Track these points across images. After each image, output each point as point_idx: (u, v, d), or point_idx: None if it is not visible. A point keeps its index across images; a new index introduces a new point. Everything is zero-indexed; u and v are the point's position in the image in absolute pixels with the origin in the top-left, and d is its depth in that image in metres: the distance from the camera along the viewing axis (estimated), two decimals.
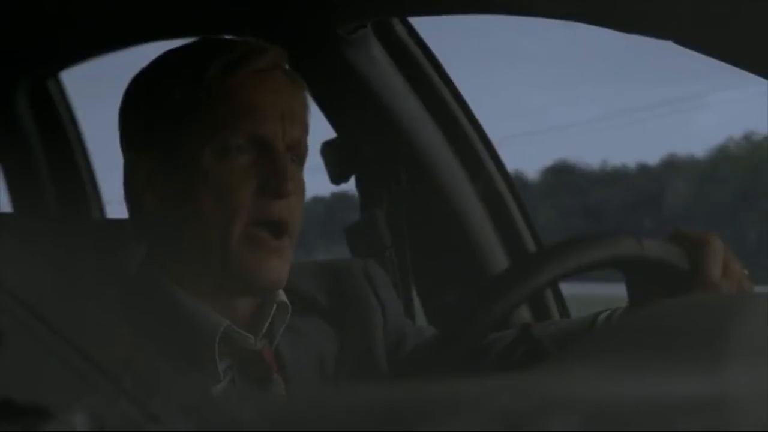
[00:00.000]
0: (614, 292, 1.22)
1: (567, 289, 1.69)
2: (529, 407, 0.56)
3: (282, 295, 1.27)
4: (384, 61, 1.66)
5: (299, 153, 1.25)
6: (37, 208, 2.16)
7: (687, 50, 1.21)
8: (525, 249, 1.70)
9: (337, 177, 1.70)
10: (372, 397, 0.59)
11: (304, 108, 1.27)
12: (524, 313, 1.64)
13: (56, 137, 2.17)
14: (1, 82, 2.10)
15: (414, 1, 1.56)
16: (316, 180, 1.58)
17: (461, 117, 1.70)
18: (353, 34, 1.62)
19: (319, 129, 1.71)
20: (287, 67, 1.28)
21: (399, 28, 1.67)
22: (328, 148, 1.70)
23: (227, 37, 1.32)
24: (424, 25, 1.68)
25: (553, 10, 1.35)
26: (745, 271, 1.13)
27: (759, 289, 1.17)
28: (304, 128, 1.27)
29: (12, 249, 1.41)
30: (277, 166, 1.21)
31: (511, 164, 1.72)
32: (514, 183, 1.72)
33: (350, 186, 1.71)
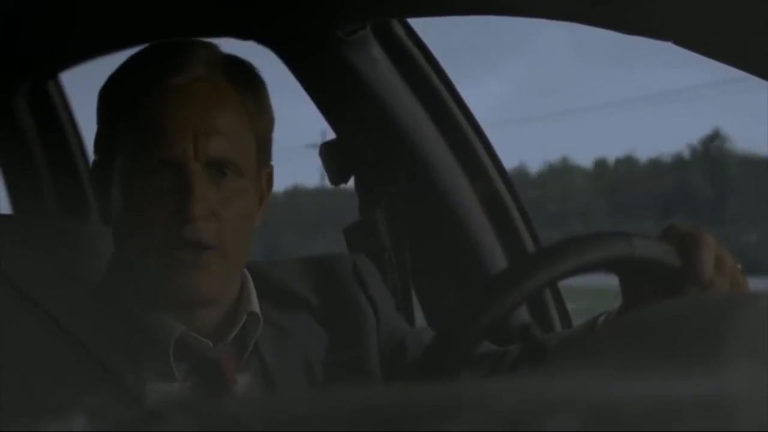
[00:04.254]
0: (607, 283, 1.22)
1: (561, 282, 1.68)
2: (528, 408, 0.56)
3: (254, 306, 1.26)
4: (383, 62, 1.66)
5: (231, 168, 1.21)
6: (36, 211, 2.16)
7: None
8: (524, 250, 1.71)
9: (336, 178, 1.70)
10: (370, 398, 0.59)
11: (239, 119, 1.22)
12: (523, 314, 1.64)
13: (56, 139, 2.17)
14: (0, 84, 2.10)
15: (413, 3, 1.56)
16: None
17: (460, 117, 1.70)
18: (352, 35, 1.62)
19: (318, 130, 1.71)
20: (224, 74, 1.24)
21: (398, 29, 1.67)
22: (327, 149, 1.70)
23: (177, 39, 1.29)
24: (423, 26, 1.68)
25: (553, 11, 1.35)
26: (739, 266, 1.13)
27: (753, 282, 1.17)
28: (240, 140, 1.22)
29: (11, 251, 1.41)
30: (185, 189, 1.18)
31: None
32: (513, 183, 1.73)
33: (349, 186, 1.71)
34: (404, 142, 1.67)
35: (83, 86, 2.23)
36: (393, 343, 1.33)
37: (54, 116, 2.15)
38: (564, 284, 1.69)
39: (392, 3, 1.58)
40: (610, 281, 1.17)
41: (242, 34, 1.61)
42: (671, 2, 1.20)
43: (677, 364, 0.65)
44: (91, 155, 2.20)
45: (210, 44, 1.27)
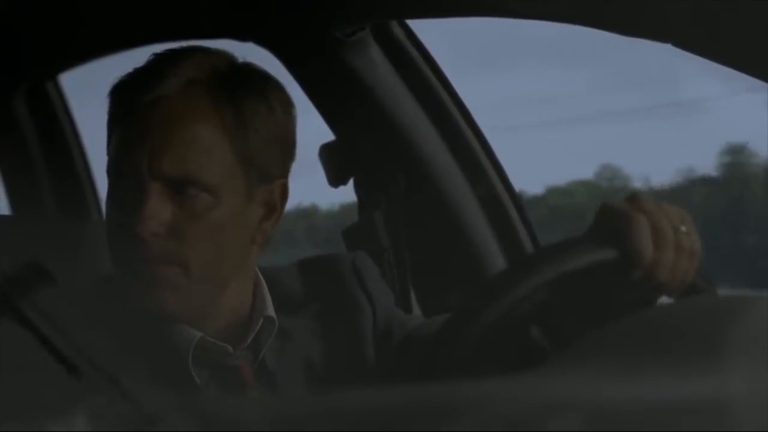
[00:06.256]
0: None
1: None
2: (529, 409, 0.56)
3: (269, 310, 1.26)
4: (382, 63, 1.66)
5: (195, 184, 1.19)
6: (35, 212, 2.16)
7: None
8: (523, 251, 1.71)
9: (335, 179, 1.71)
10: (372, 399, 0.59)
11: (211, 135, 1.20)
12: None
13: (55, 140, 2.17)
14: None
15: (412, 4, 1.56)
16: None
17: (459, 119, 1.70)
18: (352, 36, 1.62)
19: (317, 131, 1.71)
20: (204, 88, 1.21)
21: (397, 31, 1.67)
22: (326, 151, 1.70)
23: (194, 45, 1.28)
24: (423, 28, 1.68)
25: (552, 13, 1.35)
26: (683, 227, 1.06)
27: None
28: (210, 156, 1.20)
29: (11, 252, 1.41)
30: (138, 205, 1.18)
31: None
32: (512, 185, 1.73)
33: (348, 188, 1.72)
34: (403, 144, 1.67)
35: (82, 87, 2.23)
36: (384, 333, 1.33)
37: (53, 117, 2.15)
38: None
39: (391, 5, 1.58)
40: None
41: (241, 36, 1.61)
42: (670, 4, 1.20)
43: (677, 366, 0.65)
44: (90, 156, 2.22)
45: (198, 54, 1.25)
